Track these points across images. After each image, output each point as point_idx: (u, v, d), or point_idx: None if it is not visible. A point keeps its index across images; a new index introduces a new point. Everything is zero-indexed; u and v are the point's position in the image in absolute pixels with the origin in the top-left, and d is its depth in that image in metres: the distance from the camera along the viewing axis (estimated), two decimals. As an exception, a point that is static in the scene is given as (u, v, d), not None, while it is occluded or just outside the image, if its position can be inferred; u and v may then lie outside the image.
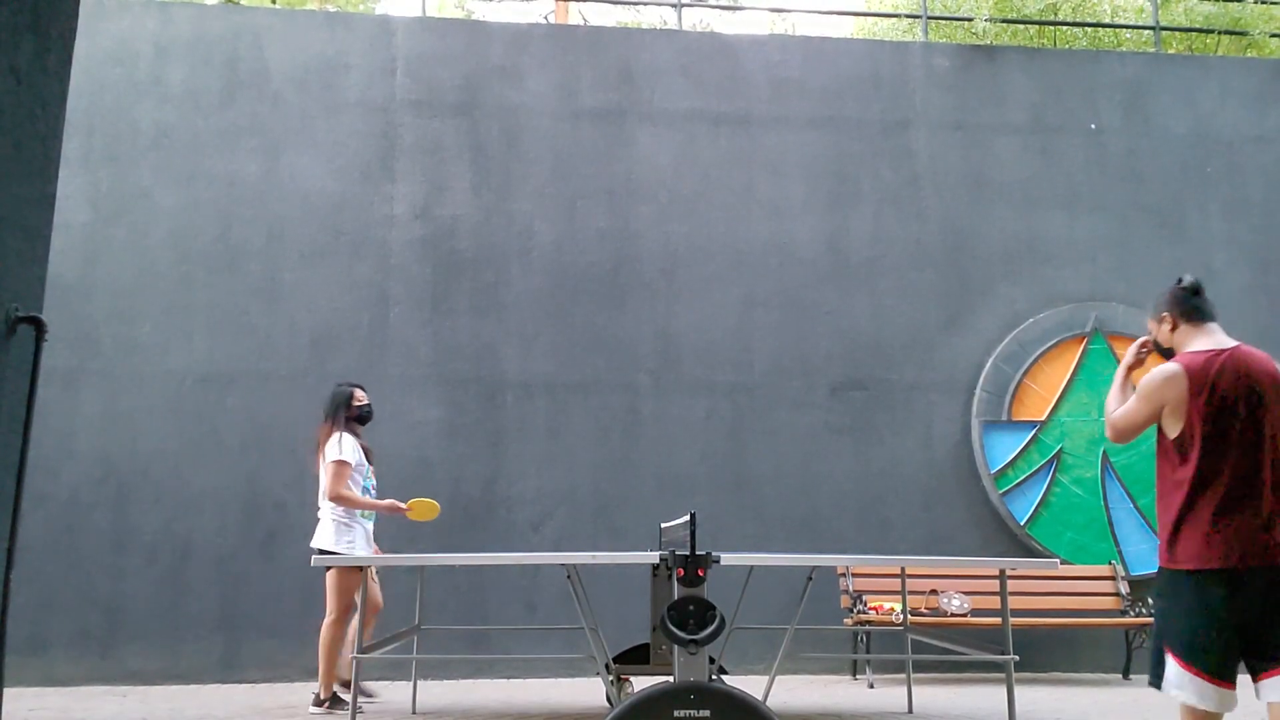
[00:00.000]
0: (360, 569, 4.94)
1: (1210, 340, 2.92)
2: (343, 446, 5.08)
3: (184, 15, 7.05)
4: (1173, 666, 2.72)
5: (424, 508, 5.25)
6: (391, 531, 6.47)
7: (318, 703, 5.00)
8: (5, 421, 1.77)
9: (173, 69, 6.95)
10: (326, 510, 5.10)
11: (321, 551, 5.00)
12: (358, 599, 4.83)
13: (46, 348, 1.87)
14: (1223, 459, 2.78)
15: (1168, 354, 3.06)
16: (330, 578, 5.01)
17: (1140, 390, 2.92)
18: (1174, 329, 3.01)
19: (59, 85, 1.91)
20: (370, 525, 5.27)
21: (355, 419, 5.29)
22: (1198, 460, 2.79)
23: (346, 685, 5.34)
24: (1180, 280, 3.05)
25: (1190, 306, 2.99)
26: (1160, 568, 2.86)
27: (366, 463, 5.24)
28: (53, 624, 6.15)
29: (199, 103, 6.93)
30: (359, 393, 5.35)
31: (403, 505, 5.24)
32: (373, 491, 5.28)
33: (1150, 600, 3.04)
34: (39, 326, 1.83)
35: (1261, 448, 2.77)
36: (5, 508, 1.77)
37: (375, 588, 5.40)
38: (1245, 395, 2.79)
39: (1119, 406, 3.03)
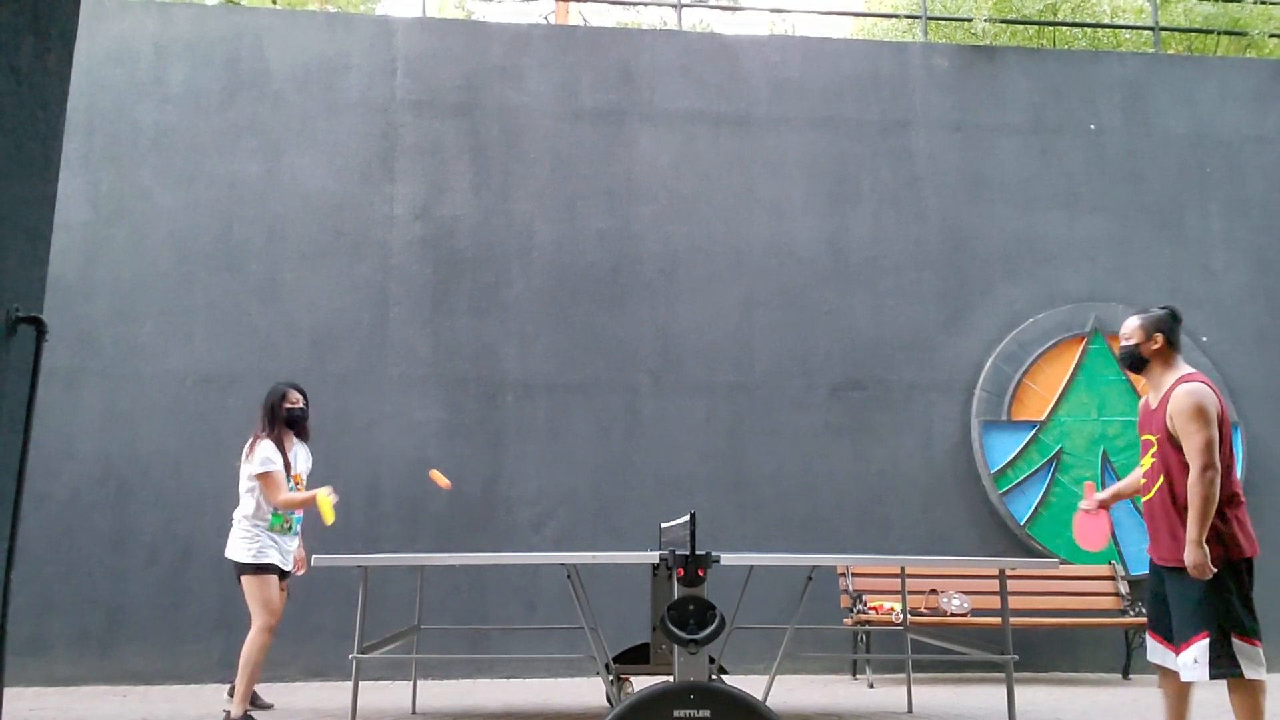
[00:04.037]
0: (278, 579, 4.73)
1: (1184, 368, 3.57)
2: (261, 456, 4.71)
3: (184, 15, 7.05)
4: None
5: (326, 505, 4.66)
6: (391, 530, 6.48)
7: None
8: (5, 422, 1.77)
9: (173, 69, 6.95)
10: (236, 523, 4.81)
11: (236, 563, 4.72)
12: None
13: (47, 348, 1.87)
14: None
15: (1138, 364, 3.63)
16: (249, 589, 4.69)
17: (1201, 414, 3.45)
18: (1159, 348, 3.59)
19: (59, 85, 1.91)
20: (289, 541, 4.89)
21: (285, 422, 4.86)
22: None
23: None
24: (1170, 308, 3.65)
25: (1177, 335, 3.62)
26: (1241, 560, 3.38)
27: (285, 473, 4.75)
28: (53, 624, 6.15)
29: (199, 103, 6.94)
30: (292, 393, 4.88)
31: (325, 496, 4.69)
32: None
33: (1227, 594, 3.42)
34: (39, 327, 1.84)
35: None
36: (5, 508, 1.77)
37: (283, 596, 4.93)
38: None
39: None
